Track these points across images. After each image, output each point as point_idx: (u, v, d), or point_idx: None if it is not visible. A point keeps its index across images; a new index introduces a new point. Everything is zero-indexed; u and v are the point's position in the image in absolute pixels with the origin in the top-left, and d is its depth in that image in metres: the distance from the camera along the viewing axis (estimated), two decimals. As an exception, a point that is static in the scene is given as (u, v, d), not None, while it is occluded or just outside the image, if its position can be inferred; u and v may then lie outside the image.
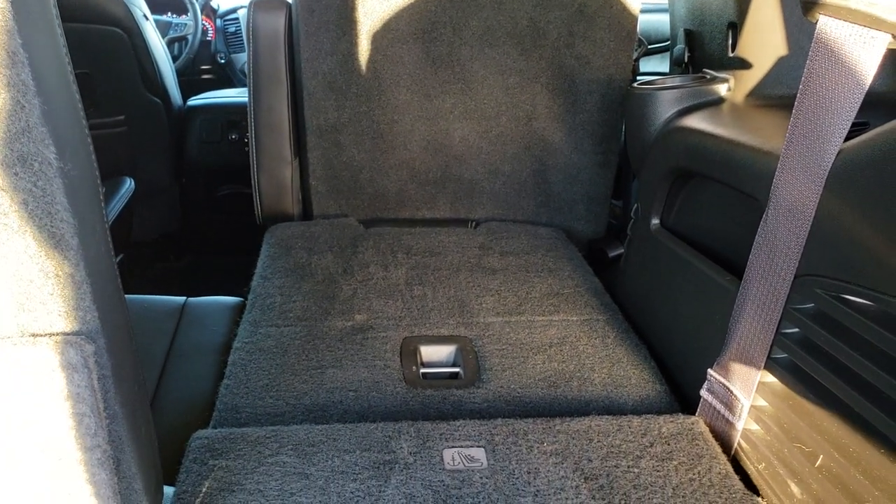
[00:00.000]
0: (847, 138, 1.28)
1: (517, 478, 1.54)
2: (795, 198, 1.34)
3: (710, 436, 1.67)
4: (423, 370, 1.94)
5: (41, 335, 1.08)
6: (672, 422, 1.69)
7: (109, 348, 1.15)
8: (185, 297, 2.23)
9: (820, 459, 1.34)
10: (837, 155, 1.28)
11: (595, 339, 2.04)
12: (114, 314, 1.18)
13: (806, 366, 1.41)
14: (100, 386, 1.11)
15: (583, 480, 1.53)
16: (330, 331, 2.01)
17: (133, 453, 1.24)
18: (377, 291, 2.22)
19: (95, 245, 1.12)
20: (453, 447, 1.60)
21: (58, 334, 1.09)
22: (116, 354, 1.18)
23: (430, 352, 2.02)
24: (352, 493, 1.49)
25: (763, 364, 1.49)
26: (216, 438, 1.61)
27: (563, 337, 2.02)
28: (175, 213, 3.98)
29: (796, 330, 1.44)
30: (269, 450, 1.58)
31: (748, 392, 1.53)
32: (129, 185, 3.21)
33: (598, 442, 1.63)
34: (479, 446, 1.59)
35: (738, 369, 1.55)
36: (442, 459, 1.57)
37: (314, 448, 1.59)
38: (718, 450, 1.63)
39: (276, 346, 1.95)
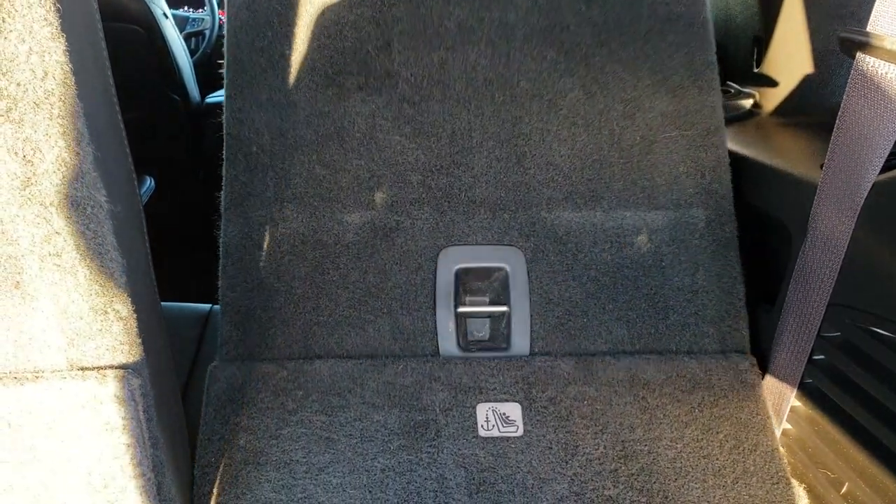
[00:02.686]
0: (881, 171, 1.29)
1: (553, 454, 1.46)
2: (830, 229, 1.36)
3: (762, 393, 1.58)
4: (461, 309, 1.65)
5: (90, 369, 1.11)
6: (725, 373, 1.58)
7: (154, 380, 1.17)
8: (209, 305, 2.25)
9: (845, 487, 1.36)
10: (871, 188, 1.29)
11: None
12: (157, 347, 1.21)
13: (832, 393, 1.42)
14: (144, 417, 1.14)
15: (622, 462, 1.47)
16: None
17: (173, 476, 1.27)
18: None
19: (141, 281, 1.14)
20: (488, 402, 1.50)
21: (106, 368, 1.12)
22: (159, 385, 1.21)
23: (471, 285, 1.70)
24: (381, 470, 1.44)
25: (794, 389, 1.51)
26: (234, 384, 1.55)
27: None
28: (194, 210, 3.99)
29: (824, 357, 1.46)
30: (293, 401, 1.52)
31: (779, 416, 1.55)
32: (149, 183, 3.22)
33: (642, 401, 1.53)
34: (515, 401, 1.49)
35: (771, 393, 1.57)
36: (475, 421, 1.47)
37: (340, 400, 1.52)
38: (768, 420, 1.55)
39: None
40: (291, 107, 1.61)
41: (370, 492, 1.39)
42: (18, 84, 0.97)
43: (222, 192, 1.62)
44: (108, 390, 1.12)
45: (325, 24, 1.60)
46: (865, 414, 1.32)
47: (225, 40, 1.62)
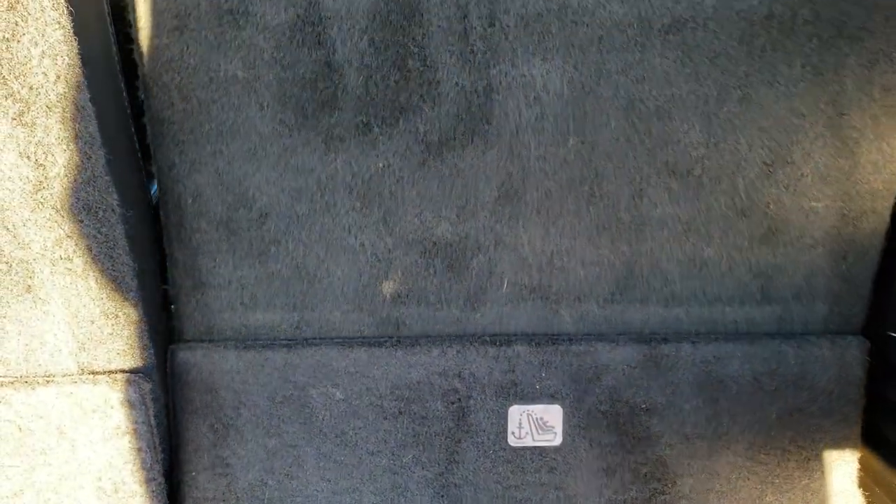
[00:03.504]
0: None
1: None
2: None
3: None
4: None
5: (101, 373, 1.12)
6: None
7: (164, 384, 1.18)
8: None
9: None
10: None
11: None
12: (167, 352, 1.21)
13: None
14: (155, 421, 1.14)
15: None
16: None
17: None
18: None
19: (151, 285, 1.15)
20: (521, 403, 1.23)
21: (116, 372, 1.12)
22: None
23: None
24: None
25: None
26: (215, 405, 1.21)
27: None
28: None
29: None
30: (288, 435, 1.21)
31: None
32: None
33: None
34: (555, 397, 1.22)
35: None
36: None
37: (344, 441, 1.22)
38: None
39: None
40: (251, 161, 1.10)
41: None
42: (31, 87, 0.98)
43: (169, 279, 1.20)
44: (118, 394, 1.13)
45: (289, 19, 1.03)
46: None
47: (139, 65, 1.07)
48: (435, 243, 1.14)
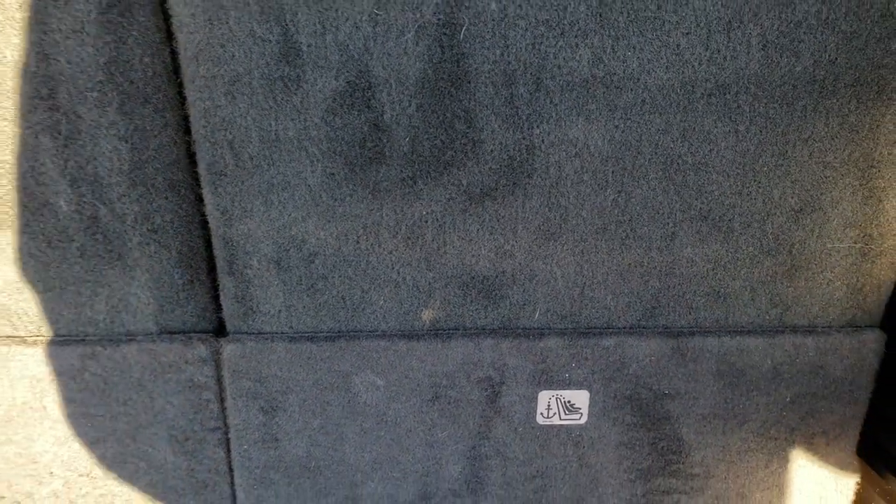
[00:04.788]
0: None
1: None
2: None
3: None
4: None
5: (177, 333, 1.28)
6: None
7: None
8: None
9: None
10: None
11: None
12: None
13: None
14: (224, 375, 1.31)
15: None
16: None
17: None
18: None
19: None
20: (550, 389, 1.35)
21: (190, 332, 1.28)
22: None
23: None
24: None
25: None
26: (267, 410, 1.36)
27: None
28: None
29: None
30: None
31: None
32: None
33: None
34: (582, 386, 1.35)
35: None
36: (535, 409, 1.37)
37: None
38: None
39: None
40: (301, 209, 1.18)
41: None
42: (132, 82, 1.08)
43: (221, 309, 1.29)
44: (192, 352, 1.29)
45: (343, 80, 1.08)
46: None
47: (188, 107, 1.11)
48: (473, 277, 1.23)
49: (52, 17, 1.00)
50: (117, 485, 1.32)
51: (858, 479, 1.44)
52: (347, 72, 1.05)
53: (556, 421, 1.36)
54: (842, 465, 1.43)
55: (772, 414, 1.36)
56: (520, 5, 1.02)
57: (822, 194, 1.18)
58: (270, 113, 1.07)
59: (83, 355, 1.24)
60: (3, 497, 1.31)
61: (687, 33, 1.05)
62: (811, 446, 1.40)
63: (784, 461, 1.41)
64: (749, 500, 1.43)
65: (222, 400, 1.30)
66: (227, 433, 1.32)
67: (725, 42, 1.06)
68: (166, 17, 1.03)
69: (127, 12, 1.02)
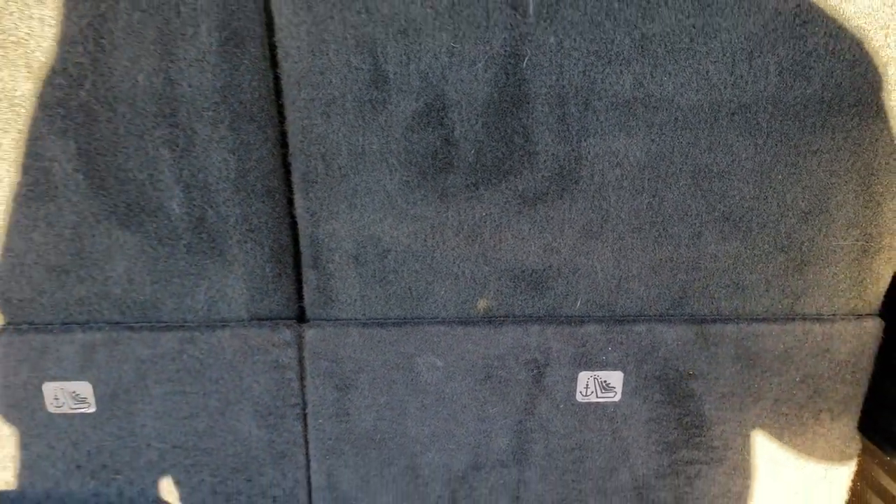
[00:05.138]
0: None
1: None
2: None
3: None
4: None
5: (266, 319, 1.45)
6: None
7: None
8: None
9: None
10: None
11: None
12: None
13: None
14: (305, 356, 1.48)
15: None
16: None
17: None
18: None
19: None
20: (589, 370, 1.52)
21: (276, 319, 1.45)
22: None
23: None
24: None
25: None
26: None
27: None
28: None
29: None
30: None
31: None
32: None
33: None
34: (617, 368, 1.52)
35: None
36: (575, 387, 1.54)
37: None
38: None
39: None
40: (379, 211, 1.37)
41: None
42: (241, 103, 1.26)
43: (303, 298, 1.47)
44: (278, 336, 1.46)
45: (422, 101, 1.27)
46: None
47: (283, 108, 1.29)
48: (523, 271, 1.41)
49: (180, 48, 1.18)
50: (206, 455, 1.50)
51: (860, 453, 1.62)
52: (426, 95, 1.22)
53: (593, 399, 1.53)
54: (845, 440, 1.60)
55: (783, 393, 1.54)
56: (574, 38, 1.20)
57: (828, 198, 1.36)
58: (359, 130, 1.25)
59: (182, 339, 1.41)
60: (105, 467, 1.49)
61: (714, 61, 1.23)
62: (817, 422, 1.57)
63: (794, 435, 1.58)
64: (762, 470, 1.60)
65: (302, 379, 1.47)
66: (304, 409, 1.49)
67: (747, 69, 1.24)
68: (272, 48, 1.21)
69: (241, 44, 1.19)
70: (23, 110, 1.21)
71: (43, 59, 1.17)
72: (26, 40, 1.16)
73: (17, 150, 1.24)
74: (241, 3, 1.16)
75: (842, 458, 1.62)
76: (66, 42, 1.16)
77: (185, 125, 1.24)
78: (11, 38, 1.16)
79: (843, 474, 1.63)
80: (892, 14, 1.23)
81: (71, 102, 1.20)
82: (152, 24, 1.15)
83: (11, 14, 1.14)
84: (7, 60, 1.17)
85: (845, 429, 1.59)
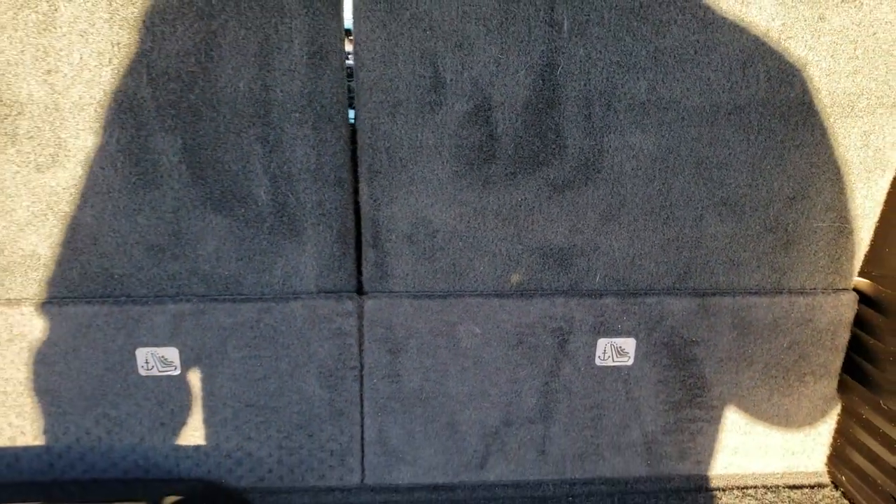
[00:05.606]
0: None
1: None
2: None
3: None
4: None
5: (331, 292, 1.68)
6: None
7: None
8: None
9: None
10: None
11: None
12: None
13: None
14: (364, 325, 1.71)
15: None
16: None
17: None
18: None
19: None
20: (606, 337, 1.76)
21: (340, 292, 1.68)
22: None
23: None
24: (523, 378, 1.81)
25: None
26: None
27: None
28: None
29: None
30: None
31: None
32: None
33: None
34: (631, 335, 1.77)
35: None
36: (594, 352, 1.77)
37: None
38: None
39: None
40: (430, 197, 1.61)
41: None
42: (322, 106, 1.49)
43: (363, 277, 1.70)
44: (342, 307, 1.69)
45: (471, 104, 1.52)
46: None
47: (356, 121, 1.53)
48: (551, 249, 1.64)
49: (275, 60, 1.41)
50: (274, 413, 1.72)
51: (839, 411, 1.86)
52: (475, 98, 1.46)
53: (609, 363, 1.76)
54: (826, 400, 1.85)
55: (772, 358, 1.78)
56: (599, 51, 1.44)
57: (809, 186, 1.61)
58: (418, 127, 1.48)
59: (260, 310, 1.63)
60: (185, 424, 1.70)
61: (714, 70, 1.47)
62: (802, 384, 1.82)
63: (781, 396, 1.83)
64: (755, 426, 1.84)
65: (360, 344, 1.70)
66: (361, 371, 1.72)
67: (741, 76, 1.49)
68: (349, 66, 1.45)
69: (325, 57, 1.43)
70: (140, 111, 1.44)
71: (161, 68, 1.40)
72: (149, 52, 1.39)
73: (132, 143, 1.47)
74: (326, 23, 1.40)
75: (823, 416, 1.86)
76: (182, 54, 1.39)
77: (276, 125, 1.47)
78: (135, 50, 1.39)
79: (824, 431, 1.87)
80: (860, 31, 1.48)
81: (181, 104, 1.43)
82: (254, 39, 1.39)
83: (138, 30, 1.37)
84: (131, 69, 1.40)
85: (826, 390, 1.83)
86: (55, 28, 1.35)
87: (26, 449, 1.69)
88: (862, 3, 1.45)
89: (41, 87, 1.39)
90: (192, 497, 1.66)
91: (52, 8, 1.34)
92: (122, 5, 1.36)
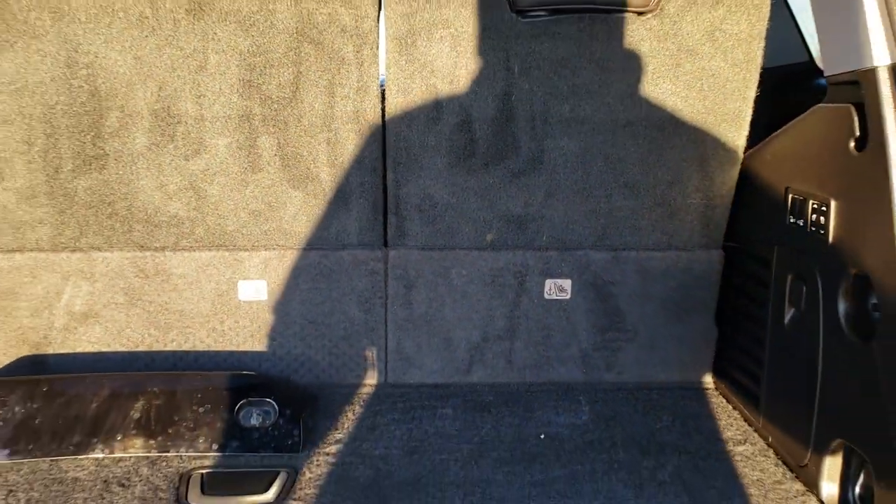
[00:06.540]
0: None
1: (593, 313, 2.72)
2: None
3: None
4: None
5: (368, 245, 2.51)
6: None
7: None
8: None
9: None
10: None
11: None
12: None
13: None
14: (388, 268, 2.53)
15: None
16: None
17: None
18: None
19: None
20: (551, 279, 2.58)
21: (373, 245, 2.50)
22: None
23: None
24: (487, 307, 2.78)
25: None
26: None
27: None
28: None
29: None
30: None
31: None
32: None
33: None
34: (567, 277, 2.60)
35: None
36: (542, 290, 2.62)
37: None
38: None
39: None
40: (433, 180, 2.44)
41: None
42: (365, 120, 2.32)
43: (388, 235, 2.53)
44: (374, 255, 2.49)
45: (459, 119, 2.35)
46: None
47: (385, 129, 2.37)
48: (512, 217, 2.49)
49: (337, 90, 2.26)
50: (327, 329, 2.53)
51: (717, 336, 2.67)
52: (461, 115, 2.32)
53: (554, 297, 2.58)
54: (705, 332, 2.65)
55: (666, 295, 2.59)
56: (538, 85, 2.29)
57: (681, 174, 2.44)
58: (424, 134, 2.33)
59: (321, 256, 2.47)
60: (268, 335, 2.53)
61: (613, 98, 2.32)
62: (688, 318, 2.63)
63: (673, 325, 2.63)
64: (659, 347, 2.64)
65: (385, 281, 2.52)
66: (386, 300, 2.54)
67: (630, 102, 2.33)
68: (383, 93, 2.30)
69: (367, 89, 2.28)
70: (252, 122, 2.29)
71: (266, 94, 2.26)
72: (260, 85, 2.25)
73: (245, 143, 2.32)
74: (368, 68, 2.25)
75: (706, 339, 2.67)
76: (280, 86, 2.25)
77: (336, 131, 2.32)
78: (251, 83, 2.25)
79: (708, 350, 2.67)
80: (703, 73, 2.32)
81: (278, 118, 2.29)
82: (325, 77, 2.25)
83: (255, 70, 2.23)
84: (248, 95, 2.25)
85: (706, 321, 2.64)
86: (205, 69, 2.21)
87: (160, 352, 2.52)
88: (704, 56, 2.30)
89: (193, 106, 2.25)
90: (269, 388, 2.45)
91: (205, 57, 2.20)
92: (248, 55, 2.22)
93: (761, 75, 2.34)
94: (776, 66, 2.88)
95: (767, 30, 2.31)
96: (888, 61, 1.68)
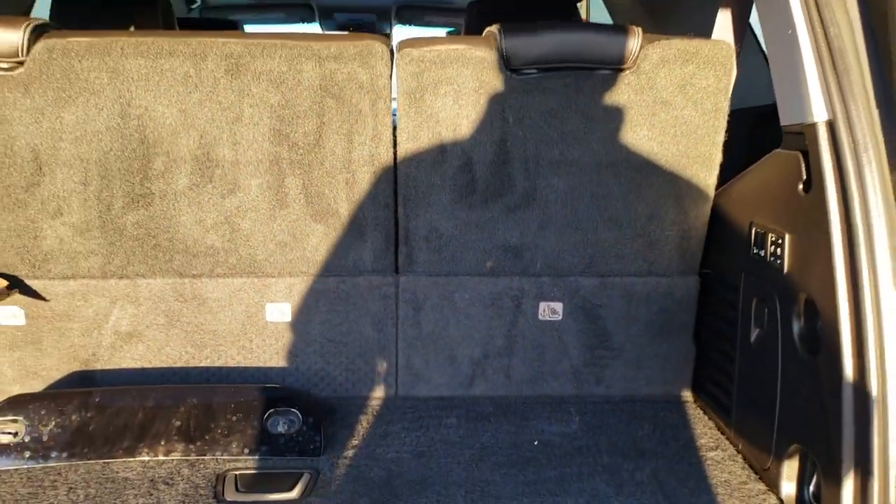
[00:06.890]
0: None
1: (585, 333, 2.99)
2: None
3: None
4: None
5: (380, 272, 2.79)
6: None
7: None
8: None
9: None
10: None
11: None
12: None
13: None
14: (399, 291, 2.82)
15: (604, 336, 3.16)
16: None
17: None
18: None
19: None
20: (545, 302, 2.82)
21: (385, 271, 2.79)
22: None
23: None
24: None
25: None
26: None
27: None
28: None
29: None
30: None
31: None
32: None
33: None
34: (559, 301, 2.84)
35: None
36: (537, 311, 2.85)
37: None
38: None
39: None
40: (442, 212, 2.69)
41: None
42: (379, 163, 2.60)
43: (399, 263, 2.80)
44: (386, 280, 2.78)
45: (461, 161, 2.61)
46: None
47: (396, 170, 2.63)
48: (510, 246, 2.77)
49: (356, 137, 2.57)
50: (344, 347, 2.82)
51: (695, 355, 2.95)
52: (463, 158, 2.61)
53: (547, 318, 2.85)
54: (684, 352, 2.93)
55: (649, 317, 2.87)
56: (531, 132, 2.59)
57: (659, 209, 2.73)
58: (431, 174, 2.63)
59: (338, 281, 2.76)
60: (291, 353, 2.82)
61: (597, 143, 2.62)
62: (670, 338, 2.91)
63: (657, 343, 2.91)
64: (643, 364, 2.92)
65: (397, 304, 2.81)
66: (397, 321, 2.82)
67: (612, 146, 2.63)
68: (395, 139, 2.61)
69: (380, 137, 2.57)
70: (280, 164, 2.59)
71: (293, 141, 2.57)
72: (289, 133, 2.55)
73: (274, 183, 2.62)
74: (382, 118, 2.55)
75: (685, 361, 2.94)
76: (305, 133, 2.55)
77: (354, 172, 2.61)
78: (281, 132, 2.55)
79: (687, 368, 2.96)
80: (676, 121, 2.62)
81: (304, 161, 2.58)
82: (345, 126, 2.55)
83: (284, 121, 2.54)
84: (278, 142, 2.56)
85: (685, 341, 2.92)
86: (241, 120, 2.52)
87: (195, 368, 2.81)
88: (677, 106, 2.59)
89: (230, 151, 2.56)
90: (293, 400, 2.69)
91: (240, 110, 2.51)
92: (278, 108, 2.52)
93: (741, 112, 2.62)
94: (753, 107, 3.22)
95: (741, 76, 2.61)
96: (825, 117, 1.97)
